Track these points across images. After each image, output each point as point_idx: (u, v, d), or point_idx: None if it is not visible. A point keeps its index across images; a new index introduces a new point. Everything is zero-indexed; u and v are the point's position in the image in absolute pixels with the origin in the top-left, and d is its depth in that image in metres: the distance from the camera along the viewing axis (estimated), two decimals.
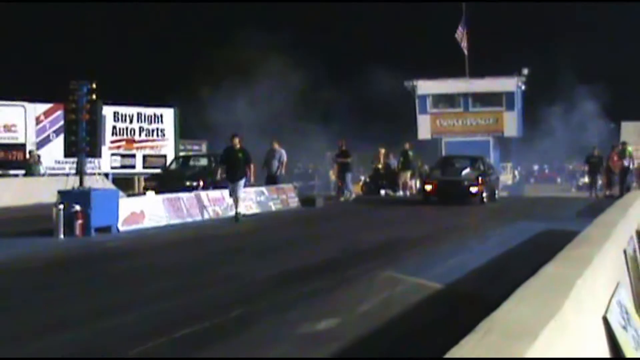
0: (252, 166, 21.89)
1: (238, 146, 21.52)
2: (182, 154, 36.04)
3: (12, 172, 30.94)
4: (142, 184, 31.91)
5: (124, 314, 9.09)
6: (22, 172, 30.93)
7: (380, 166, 36.27)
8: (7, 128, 31.22)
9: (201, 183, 26.84)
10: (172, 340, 7.53)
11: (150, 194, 21.02)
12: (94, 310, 9.36)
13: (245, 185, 21.83)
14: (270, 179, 27.64)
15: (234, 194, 21.27)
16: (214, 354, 7.04)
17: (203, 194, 23.06)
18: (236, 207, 21.29)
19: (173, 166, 31.38)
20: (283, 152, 28.34)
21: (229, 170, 21.56)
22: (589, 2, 56.07)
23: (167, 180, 26.98)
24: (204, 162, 30.84)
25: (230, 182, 21.42)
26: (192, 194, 22.76)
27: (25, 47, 39.80)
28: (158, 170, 32.27)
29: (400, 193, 34.42)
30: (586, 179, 41.12)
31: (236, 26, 46.16)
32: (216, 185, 25.50)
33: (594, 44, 53.77)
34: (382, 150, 36.05)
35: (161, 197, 20.91)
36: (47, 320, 8.77)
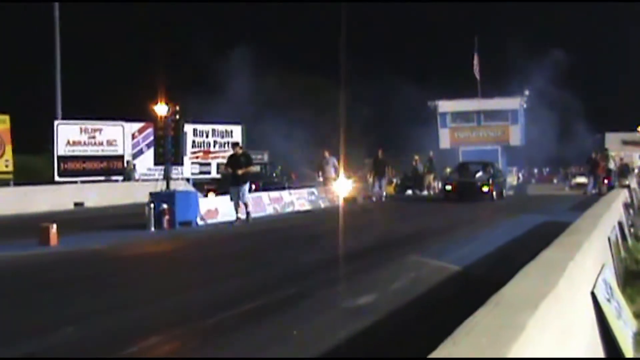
0: (250, 168, 19.22)
1: (240, 152, 19.41)
2: None
3: (113, 177, 31.40)
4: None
5: (200, 290, 9.18)
6: (121, 177, 31.42)
7: (411, 172, 36.19)
8: (110, 143, 31.73)
9: (253, 186, 26.82)
10: (239, 313, 7.57)
11: (211, 195, 20.85)
12: (176, 287, 9.46)
13: (250, 190, 19.63)
14: (325, 181, 27.55)
15: (240, 198, 18.64)
16: (274, 325, 7.03)
17: (264, 194, 23.10)
18: (246, 209, 18.93)
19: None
20: (334, 159, 28.21)
21: (232, 175, 18.89)
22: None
23: (224, 183, 26.93)
24: (257, 168, 30.94)
25: (232, 186, 18.82)
26: (256, 195, 22.82)
27: (122, 75, 40.27)
28: (218, 175, 32.64)
29: (425, 192, 34.20)
30: (579, 180, 40.49)
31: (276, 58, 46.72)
32: (267, 187, 25.54)
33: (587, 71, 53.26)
34: (417, 157, 35.94)
35: None
36: (141, 295, 8.89)
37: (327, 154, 28.16)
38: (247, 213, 18.99)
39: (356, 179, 29.53)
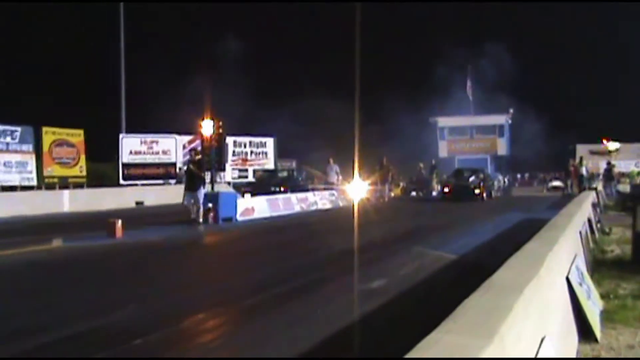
0: (201, 174, 16.89)
1: (196, 158, 17.20)
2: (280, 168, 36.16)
3: (168, 181, 31.68)
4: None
5: (241, 275, 9.24)
6: (174, 181, 31.61)
7: (416, 176, 36.21)
8: (165, 152, 32.09)
9: (282, 188, 26.79)
10: (272, 295, 7.59)
11: (247, 196, 20.81)
12: (220, 272, 9.51)
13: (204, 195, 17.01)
14: (329, 185, 27.50)
15: (195, 203, 16.71)
16: (303, 305, 7.05)
17: (292, 195, 23.13)
18: (197, 214, 16.72)
19: (264, 177, 31.62)
20: (337, 166, 28.21)
21: (188, 181, 17.07)
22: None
23: (258, 186, 26.82)
24: (284, 174, 31.03)
25: (188, 190, 16.81)
26: (285, 195, 22.87)
27: (175, 95, 40.42)
28: (253, 179, 32.83)
29: (434, 194, 33.76)
30: (554, 183, 40.28)
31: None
32: (294, 190, 25.59)
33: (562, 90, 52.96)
34: (421, 164, 35.90)
35: (264, 197, 20.98)
36: (191, 278, 8.96)
37: (331, 160, 28.26)
38: (197, 220, 16.76)
39: (370, 183, 29.43)
